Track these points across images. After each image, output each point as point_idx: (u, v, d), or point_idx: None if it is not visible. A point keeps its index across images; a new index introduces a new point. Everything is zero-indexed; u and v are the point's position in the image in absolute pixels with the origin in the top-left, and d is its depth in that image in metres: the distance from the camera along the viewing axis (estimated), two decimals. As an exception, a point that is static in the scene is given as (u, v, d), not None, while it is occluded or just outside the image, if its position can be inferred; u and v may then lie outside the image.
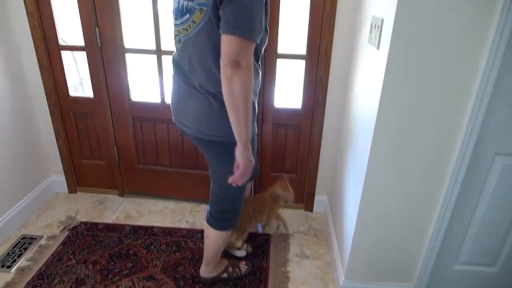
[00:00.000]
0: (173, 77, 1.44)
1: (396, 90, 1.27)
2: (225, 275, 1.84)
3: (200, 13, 1.18)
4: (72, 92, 2.28)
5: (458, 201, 1.41)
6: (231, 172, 1.32)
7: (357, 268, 1.65)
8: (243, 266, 1.90)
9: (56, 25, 2.07)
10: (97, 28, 2.03)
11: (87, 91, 2.27)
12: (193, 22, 1.21)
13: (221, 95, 1.19)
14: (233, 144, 1.26)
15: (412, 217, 1.49)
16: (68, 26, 2.34)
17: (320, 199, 2.37)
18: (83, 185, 2.53)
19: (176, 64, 1.38)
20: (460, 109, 1.28)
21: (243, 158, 1.26)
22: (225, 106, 1.19)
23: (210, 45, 1.21)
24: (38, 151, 2.35)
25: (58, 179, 2.49)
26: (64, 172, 2.46)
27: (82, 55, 2.16)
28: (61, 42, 2.11)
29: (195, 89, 1.32)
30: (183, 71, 1.34)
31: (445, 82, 1.24)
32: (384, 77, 1.26)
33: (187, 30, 1.24)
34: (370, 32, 1.46)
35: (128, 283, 1.81)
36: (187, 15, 1.22)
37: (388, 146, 1.36)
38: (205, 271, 1.80)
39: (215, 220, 1.58)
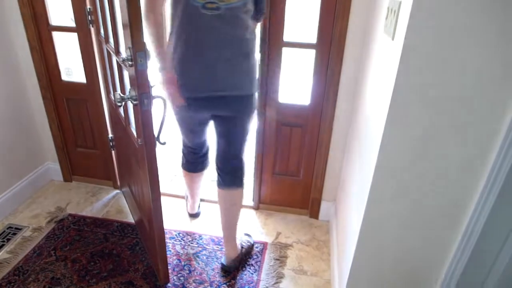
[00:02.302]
0: (196, 44, 1.44)
1: (410, 92, 1.01)
2: (243, 250, 1.87)
3: None
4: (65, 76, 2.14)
5: (485, 228, 1.13)
6: (249, 124, 1.64)
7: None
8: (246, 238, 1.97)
9: (46, 5, 1.91)
10: (87, 9, 1.85)
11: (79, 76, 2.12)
12: None
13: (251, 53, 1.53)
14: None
15: (425, 246, 1.23)
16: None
17: (327, 206, 2.13)
18: (79, 174, 2.41)
19: (212, 32, 1.42)
20: (494, 122, 1.00)
21: None
22: (253, 62, 1.55)
23: (248, 16, 1.46)
24: (32, 136, 2.25)
25: (54, 166, 2.39)
26: (59, 160, 2.35)
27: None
28: (73, 24, 1.94)
29: (238, 53, 1.48)
30: (223, 38, 1.44)
31: (472, 89, 0.96)
32: (397, 75, 1.00)
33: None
34: (386, 19, 1.18)
35: (104, 287, 1.67)
36: None
37: (397, 159, 1.11)
38: (231, 253, 1.79)
39: (240, 179, 1.72)
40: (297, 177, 2.10)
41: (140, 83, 1.18)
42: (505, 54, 0.90)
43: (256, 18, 1.53)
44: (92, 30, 1.92)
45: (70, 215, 2.12)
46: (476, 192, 1.10)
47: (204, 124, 1.70)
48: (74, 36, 1.97)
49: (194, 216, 2.15)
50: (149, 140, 1.29)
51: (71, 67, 2.25)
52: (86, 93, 2.10)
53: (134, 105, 1.25)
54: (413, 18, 0.92)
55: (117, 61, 1.49)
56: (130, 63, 1.17)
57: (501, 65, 0.91)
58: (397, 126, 1.06)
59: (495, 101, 0.96)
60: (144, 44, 1.15)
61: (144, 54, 1.16)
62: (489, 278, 1.19)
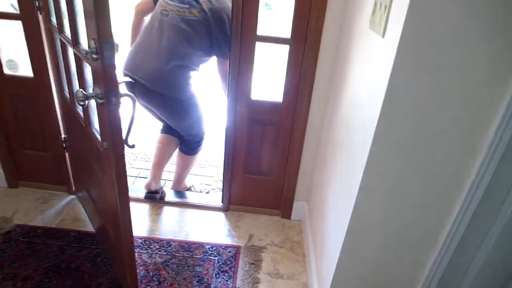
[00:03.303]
0: (149, 37, 1.83)
1: (406, 93, 0.97)
2: (192, 188, 2.33)
3: (198, 13, 1.78)
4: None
5: (466, 232, 1.14)
6: (192, 115, 2.00)
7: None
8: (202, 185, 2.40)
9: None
10: (34, -8, 1.63)
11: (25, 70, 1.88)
12: (191, 13, 1.77)
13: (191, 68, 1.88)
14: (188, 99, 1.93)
15: (412, 245, 1.22)
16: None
17: (299, 206, 2.09)
18: (26, 179, 2.16)
19: (161, 31, 1.79)
20: (485, 126, 0.99)
21: None
22: (187, 74, 1.87)
23: (194, 36, 1.81)
24: (-32, 138, 1.97)
25: (-5, 171, 2.12)
26: (1, 163, 2.08)
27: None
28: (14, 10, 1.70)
29: (175, 58, 1.80)
30: (168, 40, 1.78)
31: (473, 89, 0.94)
32: (390, 76, 0.96)
33: (179, 12, 1.77)
34: (373, 14, 1.14)
35: (63, 307, 1.49)
36: (187, 6, 1.78)
37: (386, 162, 1.07)
38: (177, 187, 2.27)
39: (193, 149, 2.13)
40: (269, 176, 2.03)
41: (107, 80, 1.04)
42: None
43: (215, 53, 1.89)
44: (40, 17, 1.70)
45: (17, 226, 1.88)
46: (459, 197, 1.10)
47: (152, 111, 1.99)
48: (18, 24, 1.73)
49: (150, 196, 2.11)
50: (117, 143, 1.15)
51: (15, 60, 1.99)
52: (35, 89, 1.87)
53: (100, 104, 1.10)
54: (411, 13, 0.88)
55: (74, 53, 1.32)
56: (94, 56, 1.02)
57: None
58: (389, 129, 1.02)
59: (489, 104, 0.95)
60: (111, 35, 1.01)
61: (112, 46, 1.02)
62: (465, 277, 1.20)
